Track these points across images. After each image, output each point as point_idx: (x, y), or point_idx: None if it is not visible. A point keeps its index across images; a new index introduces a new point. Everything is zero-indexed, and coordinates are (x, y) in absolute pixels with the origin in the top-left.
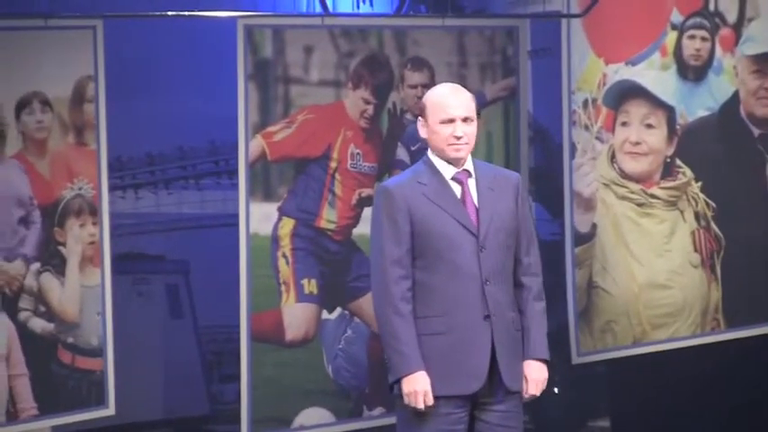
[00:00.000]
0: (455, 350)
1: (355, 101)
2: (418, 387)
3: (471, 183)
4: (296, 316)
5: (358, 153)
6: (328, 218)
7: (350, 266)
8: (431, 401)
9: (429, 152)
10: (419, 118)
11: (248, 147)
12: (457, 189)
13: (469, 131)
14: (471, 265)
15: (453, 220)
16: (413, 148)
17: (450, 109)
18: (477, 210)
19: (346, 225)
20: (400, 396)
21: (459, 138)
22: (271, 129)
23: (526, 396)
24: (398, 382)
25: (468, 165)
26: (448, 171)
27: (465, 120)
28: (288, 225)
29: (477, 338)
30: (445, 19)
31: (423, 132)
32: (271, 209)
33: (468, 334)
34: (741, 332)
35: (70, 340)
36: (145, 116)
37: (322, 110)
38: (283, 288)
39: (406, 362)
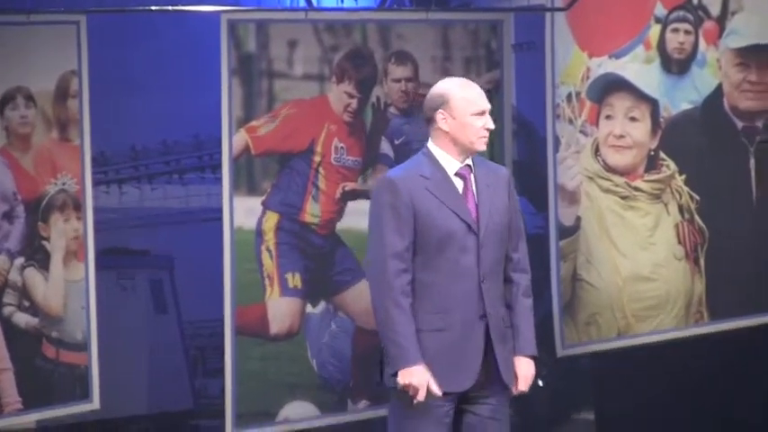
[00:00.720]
0: (452, 347)
1: (339, 95)
2: (415, 380)
3: (472, 178)
4: (280, 310)
5: (342, 147)
6: (312, 212)
7: (334, 260)
8: (438, 392)
9: (431, 144)
10: (438, 111)
11: (232, 141)
12: (459, 184)
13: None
14: (471, 263)
15: (455, 216)
16: (396, 142)
17: (481, 101)
18: (477, 206)
19: (330, 219)
20: (395, 388)
21: (489, 130)
22: (254, 123)
23: (515, 392)
24: (396, 374)
25: (469, 160)
26: (451, 165)
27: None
28: (272, 219)
29: (473, 336)
30: (429, 13)
31: (444, 125)
32: (255, 203)
33: (465, 332)
34: (725, 324)
35: (54, 335)
36: (128, 111)
37: (306, 104)
38: (267, 282)
39: (404, 355)
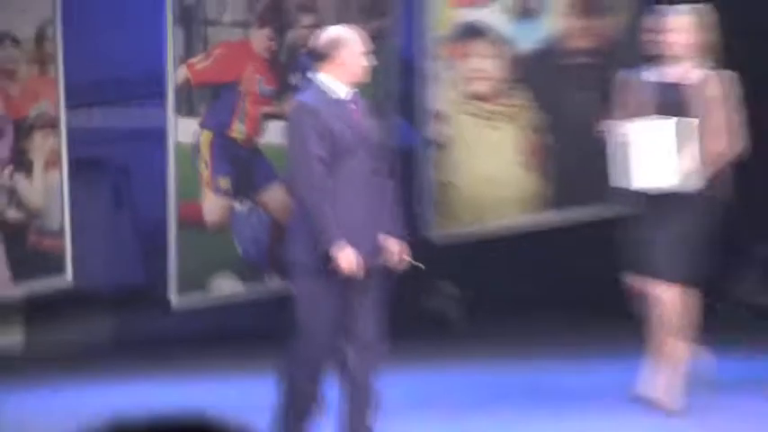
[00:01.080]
0: (354, 235)
1: (260, 38)
2: (351, 257)
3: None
4: (213, 206)
5: (261, 79)
6: (238, 130)
7: (255, 168)
8: (361, 270)
9: (324, 76)
10: (335, 50)
11: (175, 75)
12: (351, 108)
13: None
14: (364, 168)
15: (350, 131)
16: (304, 75)
17: (365, 44)
18: (362, 121)
19: (252, 135)
20: (303, 269)
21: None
22: (193, 60)
23: (392, 267)
24: (326, 252)
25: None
26: (343, 92)
27: None
28: (207, 136)
29: (366, 225)
30: None
31: (339, 61)
32: (193, 123)
33: (367, 221)
34: (569, 218)
35: (37, 225)
36: (94, 50)
37: (234, 45)
38: (204, 185)
39: (336, 240)
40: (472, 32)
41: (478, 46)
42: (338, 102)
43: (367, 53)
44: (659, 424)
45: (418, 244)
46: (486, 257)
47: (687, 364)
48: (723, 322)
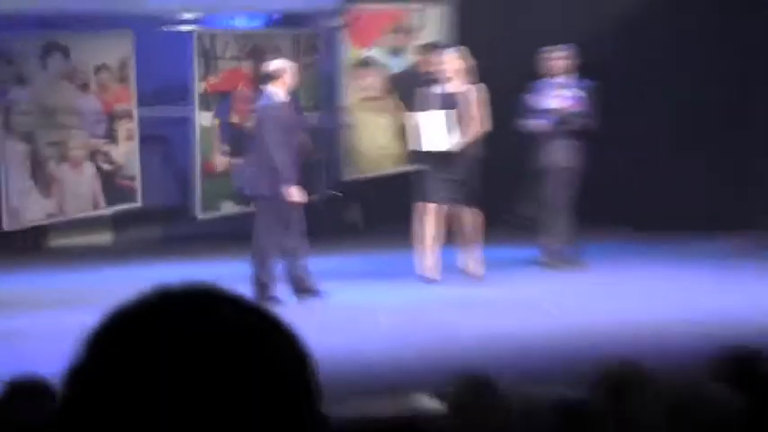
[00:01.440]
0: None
1: (246, 67)
2: (295, 190)
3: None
4: (220, 162)
5: (246, 89)
6: (234, 119)
7: (244, 141)
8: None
9: (273, 88)
10: (279, 74)
11: (198, 86)
12: (288, 105)
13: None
14: (298, 138)
15: (289, 119)
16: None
17: (296, 73)
18: (295, 114)
19: (242, 122)
20: (265, 200)
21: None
22: (209, 78)
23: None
24: (289, 191)
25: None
26: (285, 97)
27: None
28: (217, 122)
29: (300, 173)
30: (279, 29)
31: (283, 81)
32: (209, 115)
33: (298, 171)
34: (414, 169)
35: (121, 173)
36: (154, 72)
37: (232, 70)
38: (215, 150)
39: (292, 178)
40: (366, 62)
41: (370, 70)
42: (282, 103)
43: (296, 76)
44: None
45: (337, 184)
46: (376, 190)
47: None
48: (514, 227)
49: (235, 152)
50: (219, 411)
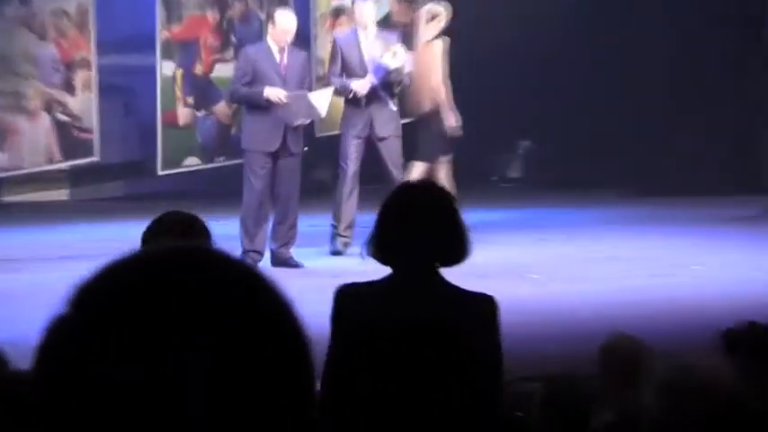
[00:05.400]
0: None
1: (212, 13)
2: (271, 91)
3: (285, 55)
4: (184, 114)
5: (212, 38)
6: (198, 69)
7: (209, 91)
8: (283, 96)
9: (267, 36)
10: (269, 22)
11: (161, 34)
12: (278, 56)
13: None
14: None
15: (272, 70)
16: (238, 37)
17: (289, 23)
18: (286, 66)
19: (207, 72)
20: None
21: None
22: (171, 26)
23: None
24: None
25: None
26: (275, 47)
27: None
28: (180, 72)
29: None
30: None
31: (272, 30)
32: (172, 64)
33: (274, 113)
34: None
35: (77, 125)
36: (115, 20)
37: (196, 17)
38: (178, 101)
39: (259, 90)
40: (339, 11)
41: (342, 19)
42: (272, 51)
43: (287, 31)
44: None
45: (310, 140)
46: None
47: None
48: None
49: (198, 103)
50: (207, 366)
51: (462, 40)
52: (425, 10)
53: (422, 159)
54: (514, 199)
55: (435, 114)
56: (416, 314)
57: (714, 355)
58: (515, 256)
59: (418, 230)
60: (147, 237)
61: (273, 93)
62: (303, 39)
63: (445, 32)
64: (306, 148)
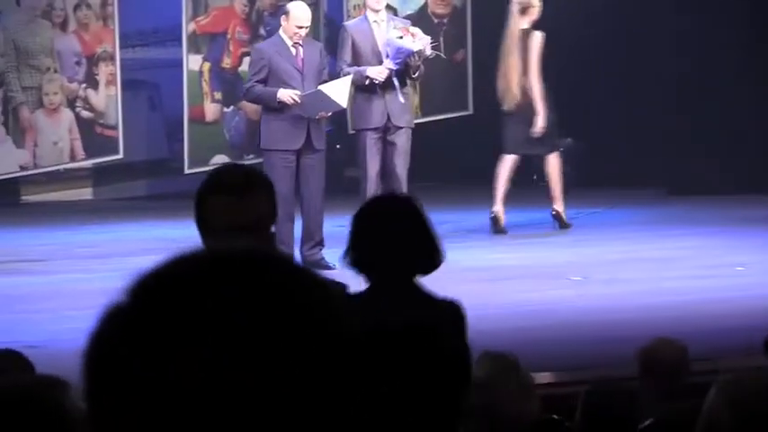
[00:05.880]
0: (289, 123)
1: (240, 4)
2: (284, 94)
3: (300, 49)
4: (211, 110)
5: (240, 31)
6: (226, 62)
7: (236, 85)
8: (297, 97)
9: (281, 30)
10: (283, 16)
11: (187, 27)
12: (294, 50)
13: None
14: (298, 85)
15: (288, 63)
16: (267, 29)
17: (303, 18)
18: (303, 60)
19: (234, 66)
20: (267, 151)
21: (302, 30)
22: (198, 18)
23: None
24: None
25: (299, 39)
26: (289, 41)
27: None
28: (206, 66)
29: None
30: None
31: (285, 23)
32: (199, 58)
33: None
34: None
35: (101, 121)
36: (139, 12)
37: (223, 8)
38: (205, 96)
39: (272, 91)
40: None
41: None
42: (287, 47)
43: (302, 27)
44: None
45: (342, 137)
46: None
47: None
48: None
49: (226, 98)
50: (260, 369)
51: (499, 36)
52: (516, 0)
53: (511, 152)
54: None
55: (527, 108)
56: (391, 322)
57: None
58: (554, 257)
59: (390, 242)
60: (204, 195)
61: (287, 94)
62: (333, 29)
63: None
64: (338, 146)
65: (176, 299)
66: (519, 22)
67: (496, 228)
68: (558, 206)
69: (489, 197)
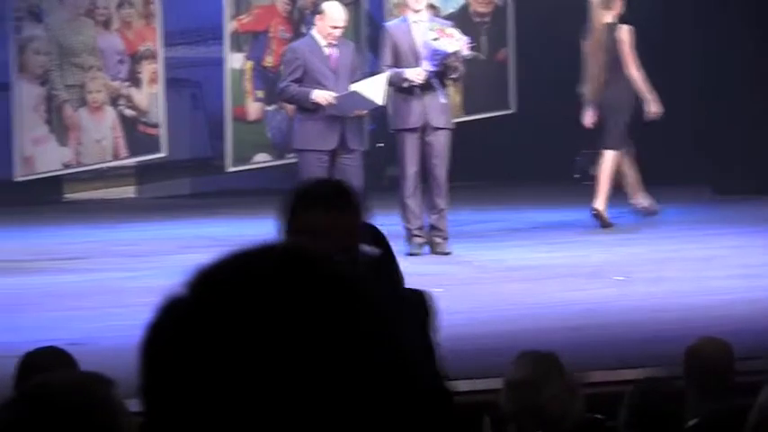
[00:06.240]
0: (324, 123)
1: (282, 3)
2: (318, 95)
3: (336, 50)
4: (255, 108)
5: (282, 29)
6: (268, 61)
7: (278, 84)
8: (331, 98)
9: (314, 29)
10: (317, 16)
11: (229, 26)
12: (327, 50)
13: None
14: (331, 86)
15: (322, 64)
16: (309, 27)
17: (339, 18)
18: (338, 58)
19: (276, 64)
20: (299, 151)
21: (338, 30)
22: (240, 17)
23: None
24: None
25: (332, 40)
26: (322, 42)
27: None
28: (249, 64)
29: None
30: None
31: (320, 24)
32: (241, 57)
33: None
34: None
35: (143, 120)
36: (182, 10)
37: (265, 7)
38: (247, 95)
39: (306, 92)
40: None
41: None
42: (320, 47)
43: (337, 27)
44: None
45: (383, 137)
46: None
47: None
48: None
49: (269, 98)
50: (320, 363)
51: (551, 33)
52: None
53: (612, 148)
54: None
55: (626, 102)
56: None
57: None
58: (598, 257)
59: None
60: (297, 209)
61: (321, 96)
62: (374, 29)
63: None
64: (380, 144)
65: (236, 293)
66: (603, 17)
67: (602, 223)
68: (600, 205)
69: (532, 196)
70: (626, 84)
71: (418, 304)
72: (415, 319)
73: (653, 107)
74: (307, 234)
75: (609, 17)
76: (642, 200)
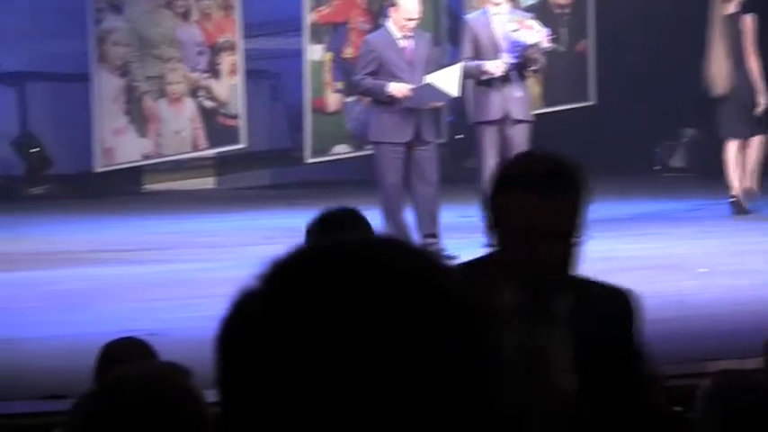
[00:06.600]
0: (400, 115)
1: None
2: (394, 88)
3: (411, 41)
4: (334, 99)
5: (362, 20)
6: (348, 52)
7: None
8: (407, 91)
9: (389, 22)
10: (391, 8)
11: (308, 17)
12: (403, 43)
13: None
14: (407, 78)
15: (397, 56)
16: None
17: (412, 9)
18: (413, 50)
19: (356, 56)
20: (375, 144)
21: (413, 21)
22: (319, 8)
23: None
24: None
25: (408, 32)
26: (397, 33)
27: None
28: (328, 55)
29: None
30: None
31: (395, 15)
32: (320, 48)
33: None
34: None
35: (222, 111)
36: (258, 3)
37: None
38: (326, 86)
39: (382, 84)
40: None
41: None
42: (395, 39)
43: (411, 18)
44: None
45: (463, 128)
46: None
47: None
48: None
49: (349, 89)
50: (397, 356)
51: (631, 24)
52: None
53: (734, 137)
54: (678, 189)
55: (744, 90)
56: None
57: None
58: (679, 249)
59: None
60: (504, 189)
61: (397, 89)
62: (454, 21)
63: None
64: (458, 136)
65: (310, 286)
66: (724, 7)
67: (738, 209)
68: (736, 192)
69: (611, 186)
70: (747, 74)
71: (622, 303)
72: (616, 318)
73: (762, 98)
74: (518, 216)
75: (731, 8)
76: (740, 192)
